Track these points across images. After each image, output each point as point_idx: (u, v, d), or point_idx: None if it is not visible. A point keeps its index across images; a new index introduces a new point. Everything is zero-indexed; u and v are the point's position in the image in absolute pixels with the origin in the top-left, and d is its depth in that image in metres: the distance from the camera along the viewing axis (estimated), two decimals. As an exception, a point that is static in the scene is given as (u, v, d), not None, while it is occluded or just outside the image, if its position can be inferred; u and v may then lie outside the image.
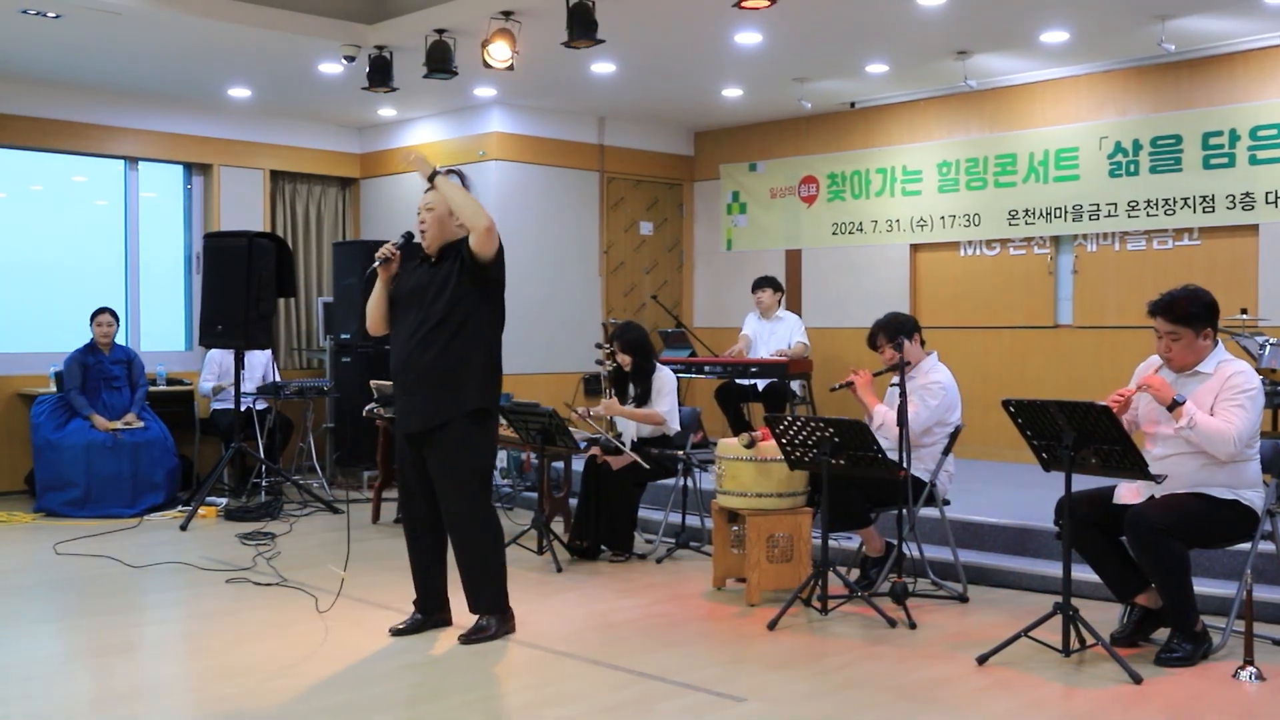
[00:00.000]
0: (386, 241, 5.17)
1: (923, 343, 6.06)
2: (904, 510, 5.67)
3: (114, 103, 9.68)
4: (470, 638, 5.03)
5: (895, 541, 5.81)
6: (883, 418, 5.82)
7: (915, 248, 9.75)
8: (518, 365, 9.71)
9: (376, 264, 5.06)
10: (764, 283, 9.41)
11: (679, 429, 7.06)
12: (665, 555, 6.88)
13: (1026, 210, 9.00)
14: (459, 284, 4.94)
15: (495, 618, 5.10)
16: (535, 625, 5.32)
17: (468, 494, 5.01)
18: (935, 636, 5.20)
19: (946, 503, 5.99)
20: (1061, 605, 4.73)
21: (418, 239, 5.16)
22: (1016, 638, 4.78)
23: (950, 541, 5.95)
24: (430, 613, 5.24)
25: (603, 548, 6.85)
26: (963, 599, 5.81)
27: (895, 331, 5.93)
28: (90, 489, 8.27)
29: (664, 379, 7.00)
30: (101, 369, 8.66)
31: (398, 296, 5.09)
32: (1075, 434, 4.59)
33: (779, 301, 9.45)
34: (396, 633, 5.17)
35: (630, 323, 7.27)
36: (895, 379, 5.77)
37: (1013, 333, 9.17)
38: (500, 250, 4.99)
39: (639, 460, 6.70)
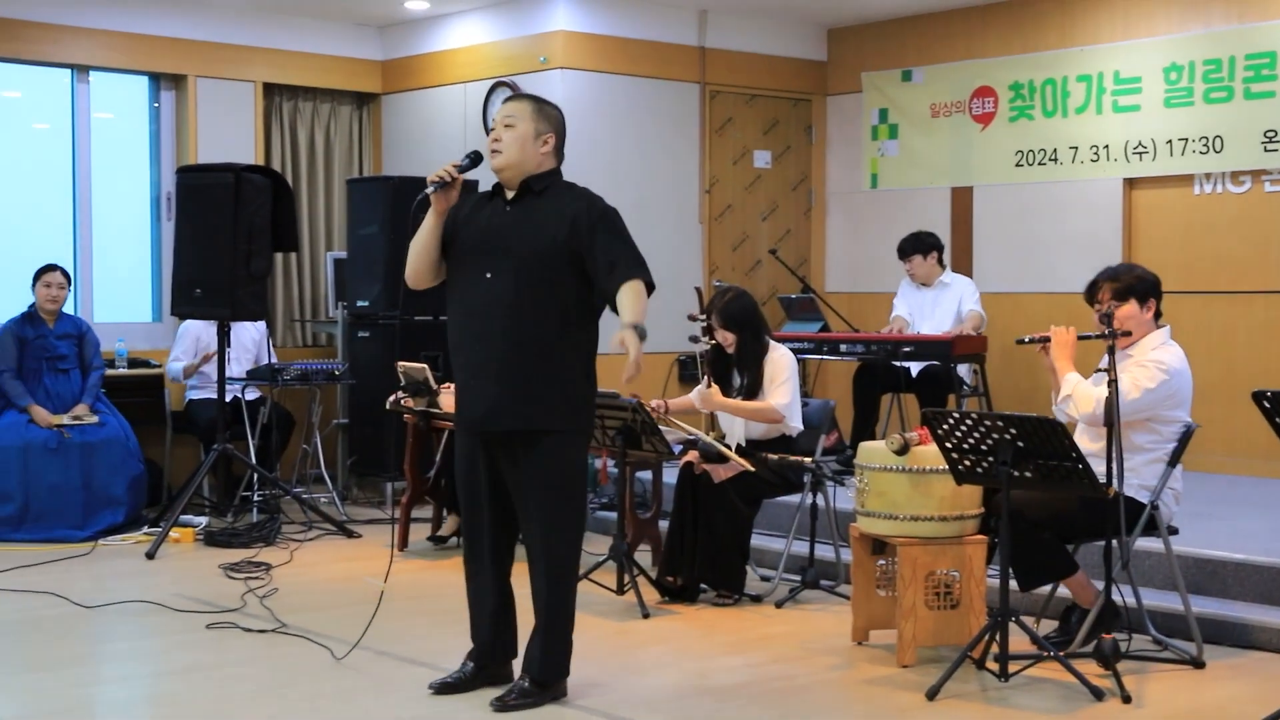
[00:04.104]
0: (441, 169, 5.08)
1: (1158, 314, 5.96)
2: (1114, 542, 5.58)
3: (60, -4, 9.83)
4: (508, 702, 5.03)
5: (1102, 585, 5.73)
6: (1073, 387, 5.76)
7: (1131, 183, 9.61)
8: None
9: (430, 190, 5.04)
10: (911, 248, 9.23)
11: (803, 428, 7.04)
12: (787, 597, 6.87)
13: (1291, 131, 8.83)
14: (568, 239, 4.98)
15: (551, 685, 5.14)
16: (614, 689, 5.33)
17: (563, 525, 5.09)
18: (1159, 714, 5.14)
19: (1174, 531, 5.92)
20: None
21: (488, 162, 5.15)
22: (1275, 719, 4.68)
23: (1180, 585, 5.87)
24: (488, 665, 5.26)
25: (703, 586, 6.87)
26: (1197, 663, 5.73)
27: (1125, 291, 5.85)
28: (28, 504, 8.37)
29: (780, 363, 6.97)
30: (44, 345, 8.74)
31: (457, 240, 5.13)
32: (1357, 438, 4.49)
33: (939, 263, 9.31)
34: (441, 689, 5.20)
35: (733, 288, 7.24)
36: (1103, 361, 5.67)
37: (1268, 299, 9.00)
38: None
39: (750, 468, 6.68)
